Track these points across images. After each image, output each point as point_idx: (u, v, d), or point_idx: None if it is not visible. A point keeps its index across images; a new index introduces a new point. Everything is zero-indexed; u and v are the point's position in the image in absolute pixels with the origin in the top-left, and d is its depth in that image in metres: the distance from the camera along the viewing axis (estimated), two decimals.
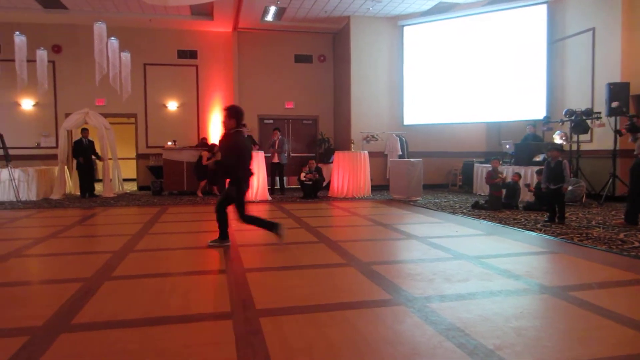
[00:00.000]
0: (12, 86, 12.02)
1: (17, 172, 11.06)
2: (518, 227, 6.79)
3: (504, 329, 2.97)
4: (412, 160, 10.94)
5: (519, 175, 9.34)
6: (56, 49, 13.70)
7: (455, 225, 7.18)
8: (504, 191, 9.07)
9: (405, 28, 13.83)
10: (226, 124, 5.59)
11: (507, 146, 11.34)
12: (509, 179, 9.23)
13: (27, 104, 13.74)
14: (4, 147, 11.20)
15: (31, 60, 10.88)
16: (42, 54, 11.17)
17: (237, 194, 5.52)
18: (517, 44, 11.99)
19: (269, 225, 5.64)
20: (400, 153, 13.13)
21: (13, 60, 10.44)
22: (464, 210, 8.72)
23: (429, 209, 9.14)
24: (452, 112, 13.24)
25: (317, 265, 4.79)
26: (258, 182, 10.91)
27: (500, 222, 7.26)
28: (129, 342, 2.85)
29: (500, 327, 3.00)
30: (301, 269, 4.64)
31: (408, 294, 3.70)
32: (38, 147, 13.75)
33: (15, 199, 10.92)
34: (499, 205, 8.82)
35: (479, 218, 7.73)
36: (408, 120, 13.88)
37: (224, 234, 5.70)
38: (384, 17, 13.70)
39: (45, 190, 11.73)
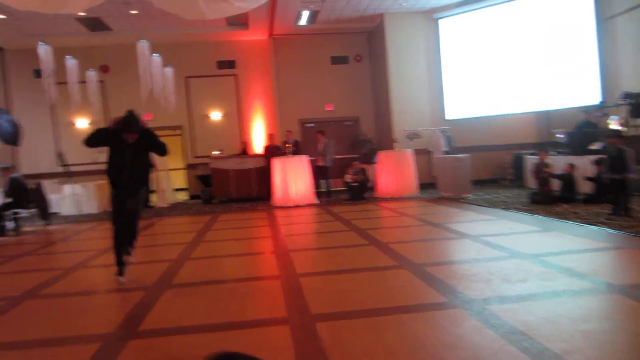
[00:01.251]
0: (67, 107, 12.62)
1: (78, 187, 11.62)
2: (579, 222, 6.44)
3: (571, 332, 2.84)
4: (458, 155, 10.71)
5: (572, 166, 8.96)
6: (104, 69, 14.29)
7: (509, 221, 6.98)
8: (553, 184, 8.74)
9: (440, 21, 13.55)
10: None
11: (559, 135, 10.90)
12: (557, 172, 8.86)
13: (81, 123, 14.39)
14: (66, 165, 11.81)
15: (82, 82, 11.40)
16: (91, 75, 11.70)
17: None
18: (563, 25, 11.50)
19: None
20: (446, 149, 12.88)
21: (66, 83, 10.97)
22: (518, 206, 8.46)
23: (480, 205, 8.92)
24: (497, 103, 12.87)
25: (369, 268, 4.77)
26: (304, 186, 11.00)
27: (558, 217, 6.95)
28: (193, 348, 2.96)
29: (566, 330, 2.88)
30: (353, 272, 4.64)
31: (465, 296, 3.64)
32: (95, 162, 14.36)
33: (77, 213, 11.47)
34: (552, 199, 8.50)
35: (534, 213, 7.46)
36: (450, 114, 13.60)
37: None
38: (419, 12, 13.49)
39: (104, 203, 12.22)
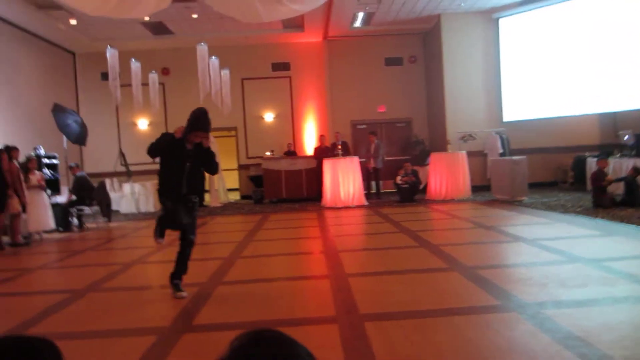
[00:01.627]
0: (130, 108, 13.21)
1: (137, 187, 12.15)
2: None
3: (634, 339, 2.71)
4: (515, 158, 10.38)
5: (636, 169, 8.45)
6: (165, 71, 14.87)
7: (568, 225, 6.69)
8: (615, 187, 8.30)
9: (500, 20, 13.19)
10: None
11: (626, 137, 10.33)
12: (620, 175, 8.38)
13: (142, 123, 15.05)
14: (126, 164, 12.37)
15: (145, 84, 11.91)
16: (153, 77, 12.20)
17: None
18: (630, 23, 10.90)
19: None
20: (501, 151, 12.50)
21: (130, 85, 11.50)
22: (577, 209, 8.09)
23: (537, 208, 8.60)
24: (558, 104, 12.36)
25: (419, 270, 4.71)
26: (354, 187, 11.00)
27: (621, 221, 6.62)
28: None
29: (628, 337, 2.74)
30: (402, 274, 4.60)
31: (519, 299, 3.52)
32: (154, 162, 14.96)
33: (136, 211, 12.00)
34: (614, 203, 8.07)
35: (595, 217, 7.12)
36: (508, 116, 13.19)
37: None
38: (477, 12, 13.18)
39: None
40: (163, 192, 4.28)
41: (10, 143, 8.50)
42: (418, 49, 15.09)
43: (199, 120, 4.11)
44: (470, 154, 11.95)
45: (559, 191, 11.47)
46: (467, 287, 3.97)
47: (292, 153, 13.72)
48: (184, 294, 4.11)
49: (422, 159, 13.86)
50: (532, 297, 3.57)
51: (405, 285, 4.18)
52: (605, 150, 11.60)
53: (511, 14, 12.96)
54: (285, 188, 12.78)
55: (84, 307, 4.04)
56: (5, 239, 7.62)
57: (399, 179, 11.21)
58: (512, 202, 9.73)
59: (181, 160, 4.15)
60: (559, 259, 4.72)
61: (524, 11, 12.72)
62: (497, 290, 3.80)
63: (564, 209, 8.20)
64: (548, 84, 12.46)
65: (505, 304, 3.47)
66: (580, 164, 11.61)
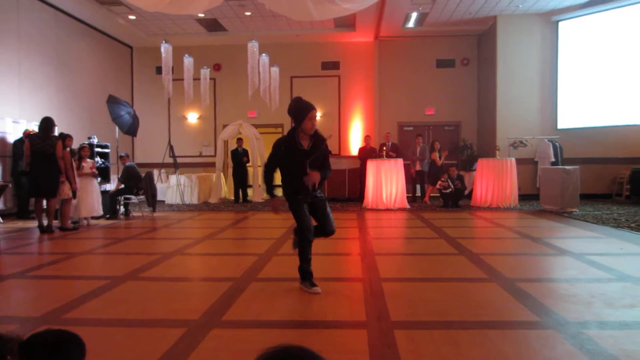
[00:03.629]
0: (181, 102, 13.59)
1: (182, 178, 12.47)
2: None
3: None
4: (567, 167, 9.94)
5: None
6: (217, 67, 15.19)
7: (620, 241, 6.33)
8: None
9: (560, 23, 12.67)
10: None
11: None
12: None
13: (192, 117, 15.44)
14: (174, 156, 12.74)
15: (196, 79, 12.21)
16: (205, 73, 12.48)
17: None
18: None
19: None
20: (554, 160, 12.01)
21: (182, 80, 11.82)
22: (632, 224, 7.65)
23: (587, 221, 8.20)
24: (617, 113, 11.76)
25: (457, 278, 4.58)
26: (397, 190, 10.85)
27: None
28: (271, 342, 3.01)
29: None
30: (439, 281, 4.48)
31: (560, 317, 3.35)
32: (200, 156, 15.35)
33: (180, 202, 12.32)
34: None
35: None
36: (563, 123, 12.66)
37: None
38: (535, 14, 12.72)
39: (205, 194, 13.04)
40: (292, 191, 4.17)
41: (68, 131, 8.91)
42: (471, 51, 14.73)
43: (300, 104, 4.07)
44: (520, 162, 11.56)
45: (613, 204, 10.90)
46: (505, 300, 3.82)
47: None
48: (318, 289, 4.07)
49: (469, 164, 13.53)
50: (575, 315, 3.39)
51: (441, 293, 4.06)
52: None
53: (572, 17, 12.44)
54: (327, 187, 12.76)
55: (120, 295, 4.15)
56: (55, 222, 7.98)
57: (438, 184, 10.98)
58: (561, 214, 9.33)
59: (296, 157, 4.08)
60: (606, 277, 4.46)
61: (586, 14, 12.18)
62: (538, 305, 3.63)
63: (617, 224, 7.77)
64: (606, 91, 11.88)
65: (545, 321, 3.30)
66: (637, 177, 11.02)
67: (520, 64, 12.92)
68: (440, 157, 11.70)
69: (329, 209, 4.34)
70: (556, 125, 12.75)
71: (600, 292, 3.95)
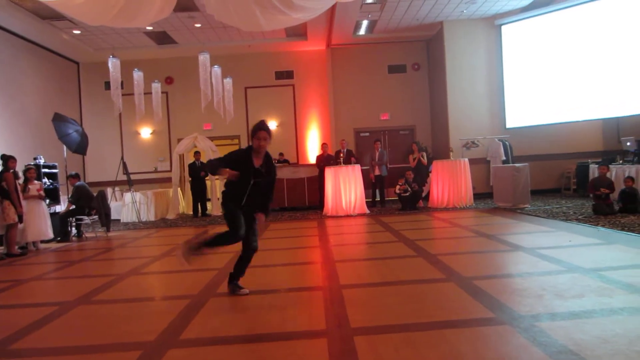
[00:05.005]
0: (132, 117, 13.27)
1: (138, 195, 12.15)
2: None
3: (628, 353, 2.62)
4: (517, 165, 10.28)
5: (632, 179, 8.40)
6: (168, 80, 14.93)
7: (569, 233, 6.58)
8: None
9: (503, 27, 13.15)
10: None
11: (629, 143, 10.22)
12: (614, 192, 8.31)
13: (145, 132, 15.10)
14: (127, 173, 12.40)
15: (148, 93, 11.95)
16: (156, 87, 12.24)
17: None
18: (633, 29, 10.80)
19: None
20: (504, 158, 12.41)
21: (133, 94, 11.54)
22: (579, 217, 7.98)
23: (538, 216, 8.50)
24: (561, 111, 12.27)
25: (415, 280, 4.64)
26: (355, 195, 10.93)
27: (623, 229, 6.53)
28: (228, 359, 2.96)
29: (622, 351, 2.66)
30: (398, 285, 4.52)
31: (514, 311, 3.44)
32: (156, 171, 15.01)
33: (136, 220, 11.99)
34: (610, 210, 7.98)
35: (596, 225, 7.01)
36: (511, 122, 13.12)
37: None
38: (479, 18, 13.16)
39: (162, 210, 12.74)
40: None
41: (12, 152, 8.52)
42: (421, 56, 15.07)
43: (256, 124, 4.40)
44: (473, 161, 11.88)
45: (562, 198, 11.36)
46: (462, 299, 3.89)
47: (284, 162, 13.68)
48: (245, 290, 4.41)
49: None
50: (527, 308, 3.49)
51: (400, 297, 4.10)
52: (609, 156, 11.49)
53: (513, 21, 12.94)
54: (287, 196, 12.74)
55: (71, 321, 3.98)
56: (0, 249, 7.61)
57: (397, 188, 11.14)
58: (514, 210, 9.64)
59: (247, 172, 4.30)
60: (557, 269, 4.63)
61: (526, 18, 12.69)
62: (493, 301, 3.72)
63: (566, 217, 8.10)
64: (551, 90, 12.39)
65: (499, 317, 3.38)
66: (583, 171, 11.50)
67: (468, 67, 13.32)
68: (423, 157, 11.88)
69: (256, 227, 4.56)
70: (505, 125, 13.19)
71: (550, 284, 4.08)
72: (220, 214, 12.67)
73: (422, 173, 11.71)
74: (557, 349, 2.73)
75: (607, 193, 8.17)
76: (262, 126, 4.35)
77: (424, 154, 12.06)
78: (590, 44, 11.59)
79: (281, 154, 14.17)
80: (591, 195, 8.45)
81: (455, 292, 4.09)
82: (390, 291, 4.32)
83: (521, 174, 10.00)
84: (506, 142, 12.64)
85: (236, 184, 4.32)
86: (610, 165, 10.03)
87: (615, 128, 12.66)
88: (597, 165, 9.30)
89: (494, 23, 13.18)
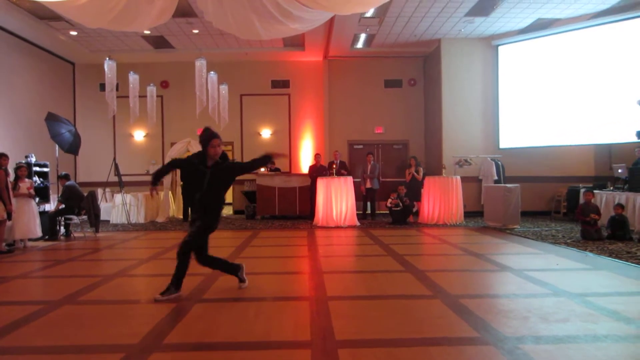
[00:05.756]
0: (126, 119, 13.22)
1: (128, 197, 12.08)
2: (632, 262, 6.08)
3: None
4: (508, 185, 10.36)
5: (622, 207, 8.47)
6: (164, 84, 14.92)
7: (557, 257, 6.62)
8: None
9: (500, 47, 13.31)
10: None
11: (620, 170, 10.34)
12: (600, 219, 8.40)
13: (139, 135, 15.05)
14: (119, 175, 12.34)
15: (142, 96, 11.93)
16: (151, 90, 12.23)
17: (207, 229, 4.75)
18: (629, 58, 10.99)
19: (230, 268, 4.96)
20: (496, 178, 12.50)
21: (127, 97, 11.52)
22: (568, 241, 8.04)
23: (528, 238, 8.55)
24: (554, 134, 12.39)
25: (401, 295, 4.65)
26: (346, 207, 10.95)
27: (610, 255, 6.57)
28: None
29: None
30: (385, 299, 4.53)
31: (498, 332, 3.46)
32: (147, 174, 14.94)
33: (126, 222, 11.91)
34: (598, 236, 8.05)
35: (584, 250, 7.07)
36: (505, 143, 13.23)
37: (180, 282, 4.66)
38: (477, 38, 13.32)
39: (152, 213, 12.67)
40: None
41: (4, 150, 8.48)
42: (418, 72, 15.19)
43: (205, 134, 4.65)
44: (465, 179, 11.95)
45: (552, 221, 11.43)
46: (447, 317, 3.90)
47: (275, 170, 13.68)
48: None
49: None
50: (512, 330, 3.51)
51: (385, 311, 4.10)
52: (600, 182, 11.61)
53: (510, 42, 13.09)
54: (278, 205, 12.73)
55: (55, 321, 3.95)
56: None
57: (388, 202, 11.17)
58: (503, 230, 9.68)
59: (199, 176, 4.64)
60: (543, 292, 4.65)
61: (523, 40, 12.85)
62: (478, 321, 3.73)
63: (555, 240, 8.15)
64: (545, 113, 12.52)
65: (483, 337, 3.39)
66: (573, 195, 11.59)
67: (464, 85, 13.44)
68: (417, 172, 11.90)
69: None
70: (498, 145, 13.29)
71: (536, 307, 4.10)
72: None
73: (414, 188, 11.74)
74: None
75: (596, 219, 8.23)
76: (216, 134, 4.62)
77: (420, 169, 12.10)
78: (585, 70, 11.75)
79: (272, 162, 14.14)
80: (580, 220, 8.51)
81: (441, 310, 4.10)
82: (376, 305, 4.32)
83: (512, 195, 10.07)
84: (499, 162, 12.74)
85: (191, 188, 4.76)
86: (600, 191, 10.14)
87: (607, 154, 12.81)
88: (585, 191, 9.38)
89: (491, 43, 13.34)
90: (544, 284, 4.93)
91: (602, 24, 11.38)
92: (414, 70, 15.20)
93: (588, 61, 11.72)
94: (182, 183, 12.71)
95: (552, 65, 12.40)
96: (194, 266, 6.83)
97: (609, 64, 11.32)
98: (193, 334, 3.56)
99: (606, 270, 5.67)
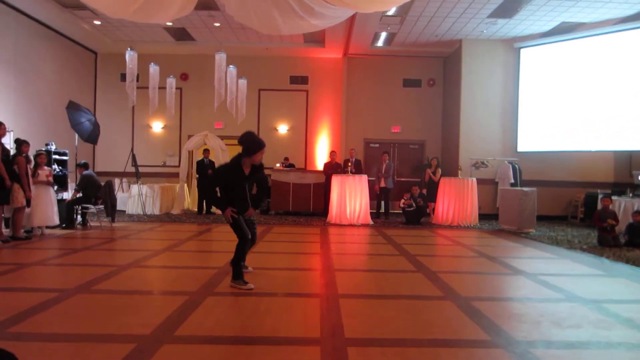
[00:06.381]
0: (145, 110, 13.34)
1: (144, 188, 12.21)
2: None
3: None
4: (525, 189, 10.24)
5: None
6: (184, 77, 15.04)
7: (572, 262, 6.54)
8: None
9: (522, 50, 13.14)
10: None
11: None
12: (618, 225, 8.24)
13: (157, 126, 15.20)
14: (136, 165, 12.47)
15: (162, 87, 12.04)
16: (171, 82, 12.32)
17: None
18: None
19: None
20: (513, 181, 12.36)
21: (147, 88, 11.63)
22: (584, 246, 7.93)
23: (543, 242, 8.45)
24: (573, 139, 12.21)
25: (413, 296, 4.63)
26: (360, 205, 10.93)
27: (627, 262, 6.47)
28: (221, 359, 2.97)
29: None
30: (396, 299, 4.52)
31: (509, 336, 3.43)
32: (164, 165, 15.10)
33: (142, 213, 12.05)
34: (615, 242, 7.92)
35: (601, 256, 6.96)
36: (523, 146, 13.07)
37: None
38: (499, 40, 13.16)
39: (167, 205, 12.79)
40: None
41: (25, 137, 8.61)
42: (437, 72, 15.08)
43: (256, 139, 4.93)
44: (481, 182, 11.84)
45: (568, 226, 11.28)
46: (458, 319, 3.88)
47: (290, 166, 13.71)
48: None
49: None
50: (524, 334, 3.47)
51: (396, 311, 4.09)
52: (619, 189, 11.41)
53: (533, 45, 12.92)
54: (292, 201, 12.75)
55: (69, 309, 4.01)
56: (7, 231, 7.68)
57: (402, 202, 11.12)
58: (518, 234, 9.58)
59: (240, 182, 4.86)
60: (557, 297, 4.60)
61: (546, 43, 12.66)
62: (489, 324, 3.70)
63: (570, 245, 8.04)
64: (565, 117, 12.33)
65: (494, 340, 3.37)
66: (591, 200, 11.41)
67: (484, 87, 13.31)
68: (434, 174, 11.86)
69: (255, 227, 5.24)
70: (516, 148, 13.14)
71: (549, 312, 4.06)
72: None
73: (431, 189, 11.68)
74: None
75: (612, 225, 8.10)
76: (264, 143, 4.91)
77: (439, 170, 12.02)
78: (608, 75, 11.54)
79: (286, 159, 14.21)
80: (597, 226, 8.39)
81: (453, 311, 4.08)
82: (387, 304, 4.31)
83: (528, 198, 9.96)
84: (516, 165, 12.59)
85: (234, 195, 4.80)
86: (619, 198, 9.98)
87: (628, 161, 12.58)
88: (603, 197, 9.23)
89: (513, 45, 13.17)
90: (558, 289, 4.87)
91: (627, 29, 11.16)
92: (433, 71, 15.09)
93: (611, 66, 11.51)
94: (197, 176, 12.80)
95: (574, 70, 12.21)
96: (207, 259, 6.92)
97: (632, 70, 11.10)
98: (204, 327, 3.59)
99: (622, 277, 5.59)
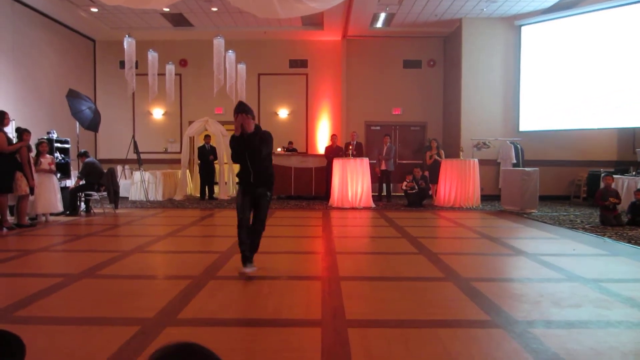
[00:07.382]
0: (145, 97, 13.32)
1: (147, 175, 12.25)
2: None
3: None
4: (527, 169, 10.22)
5: None
6: (183, 63, 14.97)
7: (574, 242, 6.55)
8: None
9: (523, 28, 13.00)
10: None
11: None
12: (621, 204, 8.23)
13: (157, 113, 15.18)
14: (137, 152, 12.49)
15: (161, 74, 11.99)
16: (170, 68, 12.27)
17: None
18: None
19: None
20: (515, 161, 12.33)
21: (147, 74, 11.59)
22: (586, 226, 7.94)
23: (545, 222, 8.46)
24: (576, 117, 12.14)
25: (414, 277, 4.66)
26: (362, 188, 10.94)
27: (629, 242, 6.48)
28: (223, 341, 3.01)
29: None
30: (397, 280, 4.55)
31: (509, 316, 3.46)
32: (165, 152, 15.11)
33: (144, 199, 12.11)
34: (618, 222, 7.93)
35: (603, 235, 6.98)
36: (524, 126, 13.01)
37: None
38: (499, 18, 13.01)
39: (170, 191, 12.85)
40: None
41: (26, 126, 8.62)
42: (437, 52, 14.95)
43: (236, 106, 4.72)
44: (483, 163, 11.82)
45: (571, 206, 11.28)
46: (459, 299, 3.91)
47: (292, 150, 13.70)
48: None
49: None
50: (523, 314, 3.50)
51: (397, 292, 4.13)
52: (622, 167, 11.38)
53: (534, 22, 12.78)
54: (294, 185, 12.77)
55: (74, 293, 4.07)
56: (12, 219, 7.74)
57: (404, 185, 11.12)
58: (520, 214, 9.59)
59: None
60: (557, 277, 4.62)
61: (547, 20, 12.52)
62: (489, 304, 3.73)
63: (572, 225, 8.05)
64: (567, 96, 12.24)
65: (494, 320, 3.40)
66: (594, 180, 11.40)
67: (485, 66, 13.20)
68: (439, 155, 11.82)
69: (264, 212, 4.80)
70: (518, 128, 13.08)
71: (549, 291, 4.08)
72: (226, 197, 12.77)
73: (436, 171, 11.65)
74: (549, 357, 2.74)
75: (615, 203, 8.10)
76: (237, 109, 4.67)
77: (442, 152, 11.99)
78: (610, 51, 11.42)
79: (290, 143, 14.21)
80: (599, 205, 8.39)
81: (453, 292, 4.11)
82: (388, 286, 4.35)
83: (531, 179, 9.94)
84: (518, 145, 12.55)
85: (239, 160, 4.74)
86: (622, 176, 9.95)
87: (631, 138, 12.52)
88: (614, 176, 9.21)
89: (513, 23, 13.03)
90: (559, 269, 4.89)
91: (629, 3, 11.00)
92: (433, 51, 14.96)
93: (613, 42, 11.38)
94: (198, 162, 12.82)
95: (576, 46, 12.09)
96: (210, 244, 6.97)
97: (636, 46, 10.97)
98: (206, 310, 3.63)
99: (624, 257, 5.60)
